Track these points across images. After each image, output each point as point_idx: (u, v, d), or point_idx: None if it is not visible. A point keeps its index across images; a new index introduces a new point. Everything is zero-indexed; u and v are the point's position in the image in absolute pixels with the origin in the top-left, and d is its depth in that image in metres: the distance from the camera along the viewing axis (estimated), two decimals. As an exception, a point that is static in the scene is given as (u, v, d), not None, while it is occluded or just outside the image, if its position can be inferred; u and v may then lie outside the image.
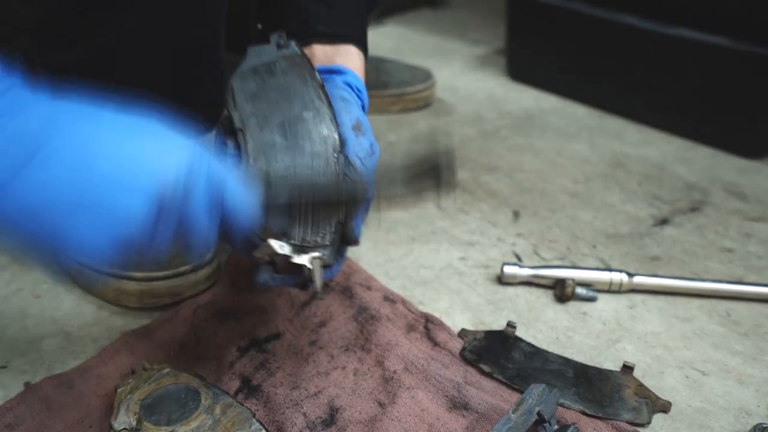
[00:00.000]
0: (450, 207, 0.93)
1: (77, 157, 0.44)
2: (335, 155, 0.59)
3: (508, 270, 0.77)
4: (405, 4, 1.70)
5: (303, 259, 0.55)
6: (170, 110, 0.79)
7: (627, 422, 0.61)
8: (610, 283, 0.76)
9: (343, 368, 0.65)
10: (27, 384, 0.61)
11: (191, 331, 0.69)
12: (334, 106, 0.61)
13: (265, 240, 0.54)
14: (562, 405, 0.62)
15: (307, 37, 0.70)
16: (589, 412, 0.61)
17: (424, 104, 1.21)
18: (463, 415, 0.60)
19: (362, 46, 0.73)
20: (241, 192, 0.50)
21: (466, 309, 0.75)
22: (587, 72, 1.21)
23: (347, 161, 0.59)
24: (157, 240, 0.46)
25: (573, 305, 0.75)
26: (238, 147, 0.58)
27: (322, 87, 0.61)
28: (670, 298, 0.76)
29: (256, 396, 0.61)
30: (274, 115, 0.59)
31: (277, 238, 0.55)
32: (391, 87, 1.18)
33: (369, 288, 0.75)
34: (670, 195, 0.96)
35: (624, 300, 0.76)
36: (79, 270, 0.73)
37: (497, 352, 0.68)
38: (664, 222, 0.90)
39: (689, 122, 1.10)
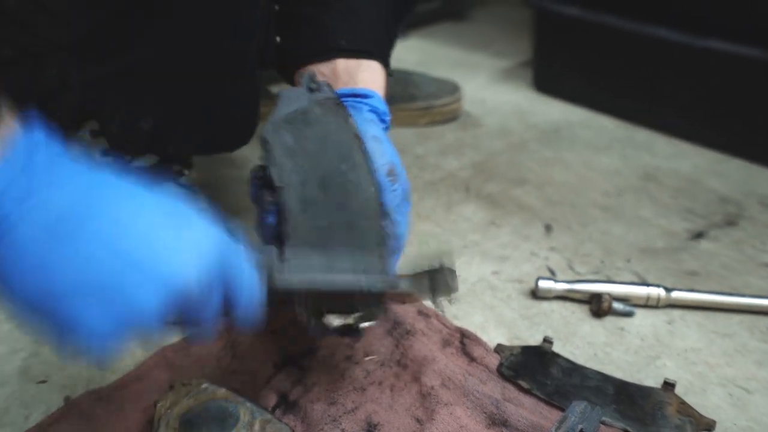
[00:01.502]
0: (481, 220, 0.92)
1: (103, 241, 0.42)
2: (372, 208, 0.59)
3: (543, 284, 0.77)
4: (428, 17, 1.70)
5: (348, 321, 0.57)
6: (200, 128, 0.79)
7: (670, 441, 0.60)
8: (647, 298, 0.75)
9: (380, 384, 0.64)
10: (67, 398, 0.61)
11: (227, 346, 0.69)
12: (368, 150, 0.61)
13: (321, 318, 0.56)
14: (603, 423, 0.61)
15: (329, 52, 0.70)
16: (631, 430, 0.60)
17: (451, 117, 1.21)
18: (503, 433, 0.59)
19: (384, 61, 0.72)
20: (253, 292, 0.49)
21: (501, 324, 0.74)
22: (615, 84, 1.20)
23: (383, 210, 0.60)
24: (164, 332, 0.46)
25: (610, 320, 0.74)
26: (276, 203, 0.59)
27: (357, 135, 0.61)
28: (710, 314, 0.75)
29: (294, 412, 0.61)
30: (313, 169, 0.59)
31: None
32: (418, 100, 1.18)
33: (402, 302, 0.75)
34: (704, 208, 0.95)
35: (662, 315, 0.75)
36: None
37: (535, 368, 0.67)
38: (699, 236, 0.89)
39: (721, 134, 1.09)
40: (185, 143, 0.80)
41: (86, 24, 0.70)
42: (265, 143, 0.60)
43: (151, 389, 0.63)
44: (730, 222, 0.92)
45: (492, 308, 0.76)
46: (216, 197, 0.85)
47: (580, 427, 0.56)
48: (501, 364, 0.67)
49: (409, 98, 1.18)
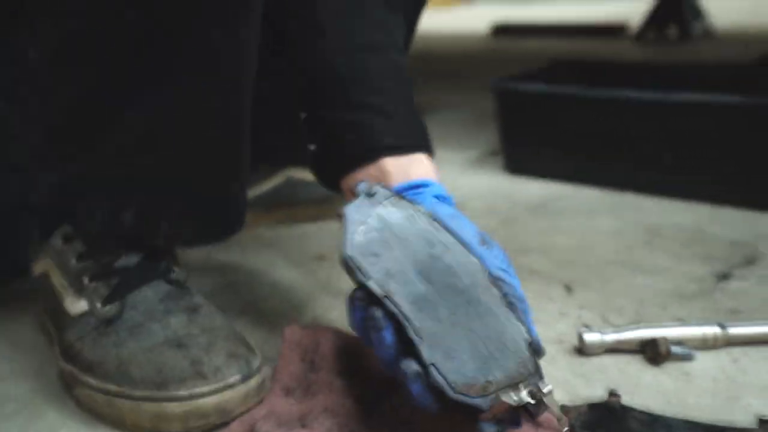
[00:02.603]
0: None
1: None
2: (485, 279, 0.55)
3: (590, 338, 0.70)
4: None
5: (524, 396, 0.51)
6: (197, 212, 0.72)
7: (793, 480, 0.51)
8: (704, 338, 0.69)
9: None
10: None
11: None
12: (450, 229, 0.58)
13: (495, 400, 0.50)
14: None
15: (375, 153, 0.65)
16: (747, 475, 0.52)
17: (434, 204, 1.17)
18: (604, 499, 0.50)
19: (430, 152, 0.68)
20: None
21: (556, 387, 0.65)
22: (593, 153, 1.20)
23: (493, 277, 0.55)
24: None
25: (670, 366, 0.67)
26: (390, 315, 0.53)
27: (431, 216, 0.58)
28: (771, 347, 0.69)
29: None
30: (406, 264, 0.55)
31: (487, 390, 0.51)
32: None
33: (442, 377, 0.66)
34: (719, 252, 0.92)
35: (723, 354, 0.69)
36: (107, 401, 0.62)
37: (610, 425, 0.58)
38: (726, 277, 0.85)
39: (710, 187, 1.08)
40: (171, 233, 0.72)
41: (59, 112, 0.63)
42: (347, 264, 0.55)
43: None
44: (751, 261, 0.89)
45: (539, 373, 0.68)
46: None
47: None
48: (572, 426, 0.59)
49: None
